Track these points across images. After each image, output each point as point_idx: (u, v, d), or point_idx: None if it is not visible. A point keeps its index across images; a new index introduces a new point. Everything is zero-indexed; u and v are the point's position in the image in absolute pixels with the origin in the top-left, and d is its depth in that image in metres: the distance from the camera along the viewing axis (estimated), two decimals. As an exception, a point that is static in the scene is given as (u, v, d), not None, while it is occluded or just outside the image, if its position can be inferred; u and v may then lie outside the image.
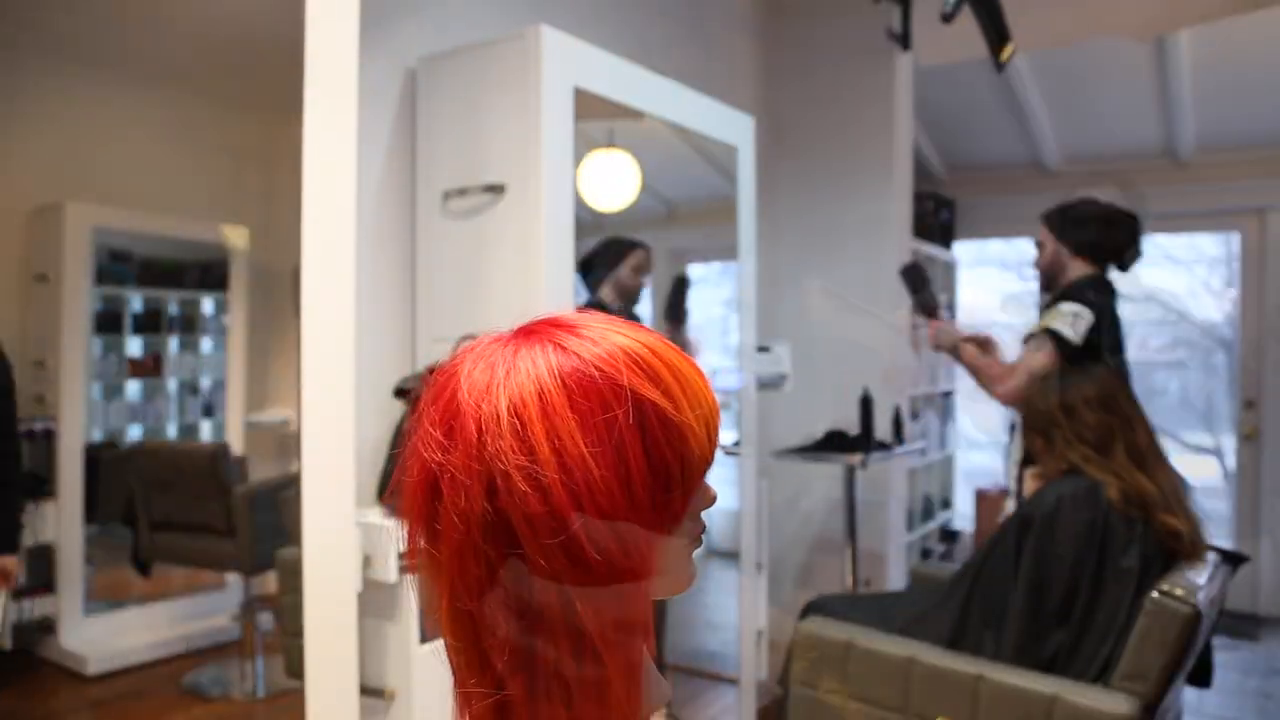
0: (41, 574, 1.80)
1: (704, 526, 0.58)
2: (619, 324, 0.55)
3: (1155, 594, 1.57)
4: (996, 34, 2.57)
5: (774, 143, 3.34)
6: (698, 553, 0.58)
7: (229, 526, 2.07)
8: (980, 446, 4.98)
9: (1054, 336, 2.21)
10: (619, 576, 0.51)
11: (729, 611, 2.56)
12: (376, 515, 1.58)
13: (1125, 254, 2.39)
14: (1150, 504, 1.73)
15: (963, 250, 4.98)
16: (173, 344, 2.11)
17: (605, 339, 0.53)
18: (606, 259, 2.30)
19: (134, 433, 2.05)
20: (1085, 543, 1.71)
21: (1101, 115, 4.11)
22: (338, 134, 1.41)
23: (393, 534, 1.51)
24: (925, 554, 4.27)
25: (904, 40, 3.13)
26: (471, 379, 0.53)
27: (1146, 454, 1.79)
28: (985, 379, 2.38)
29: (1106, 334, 2.26)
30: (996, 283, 5.17)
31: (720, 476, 1.86)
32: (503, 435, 0.50)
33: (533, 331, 0.55)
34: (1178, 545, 1.72)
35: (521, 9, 2.22)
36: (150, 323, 2.05)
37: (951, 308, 4.70)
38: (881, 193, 3.22)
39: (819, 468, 3.17)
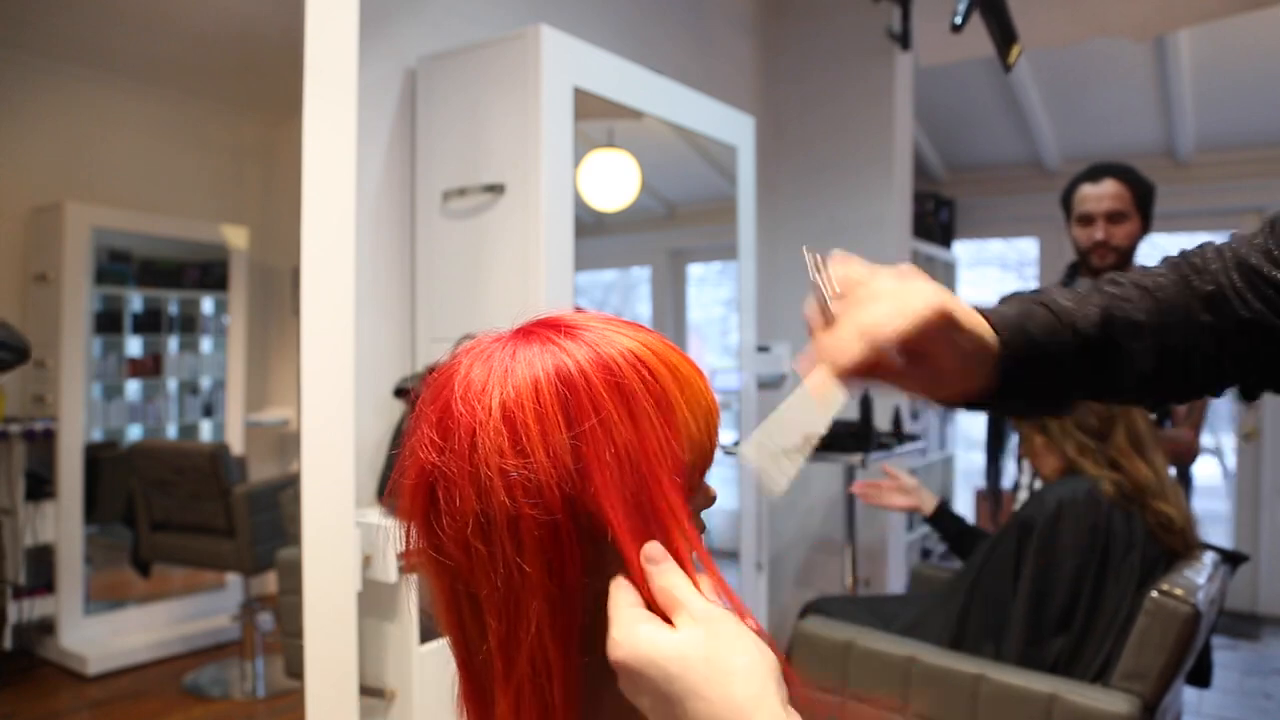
0: (41, 574, 1.80)
1: (704, 527, 0.58)
2: (619, 324, 0.55)
3: (1155, 593, 1.57)
4: (1003, 35, 2.56)
5: (774, 142, 3.34)
6: (697, 553, 0.58)
7: (229, 526, 2.07)
8: (980, 446, 4.97)
9: None
10: None
11: (729, 611, 2.55)
12: (376, 515, 1.58)
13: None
14: (1146, 491, 1.73)
15: (963, 250, 4.98)
16: (173, 344, 2.11)
17: (604, 339, 0.53)
18: None
19: (134, 433, 2.05)
20: (1087, 550, 1.70)
21: (1101, 115, 4.11)
22: (338, 134, 1.40)
23: (392, 534, 1.52)
24: (925, 554, 4.27)
25: (904, 40, 3.13)
26: (468, 379, 0.53)
27: (1144, 439, 1.79)
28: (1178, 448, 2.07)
29: None
30: (996, 282, 5.17)
31: (720, 476, 1.85)
32: (496, 435, 0.50)
33: (531, 331, 0.55)
34: (1171, 535, 1.72)
35: (521, 9, 2.22)
36: (150, 323, 2.05)
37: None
38: (881, 193, 3.22)
39: (819, 467, 3.17)
